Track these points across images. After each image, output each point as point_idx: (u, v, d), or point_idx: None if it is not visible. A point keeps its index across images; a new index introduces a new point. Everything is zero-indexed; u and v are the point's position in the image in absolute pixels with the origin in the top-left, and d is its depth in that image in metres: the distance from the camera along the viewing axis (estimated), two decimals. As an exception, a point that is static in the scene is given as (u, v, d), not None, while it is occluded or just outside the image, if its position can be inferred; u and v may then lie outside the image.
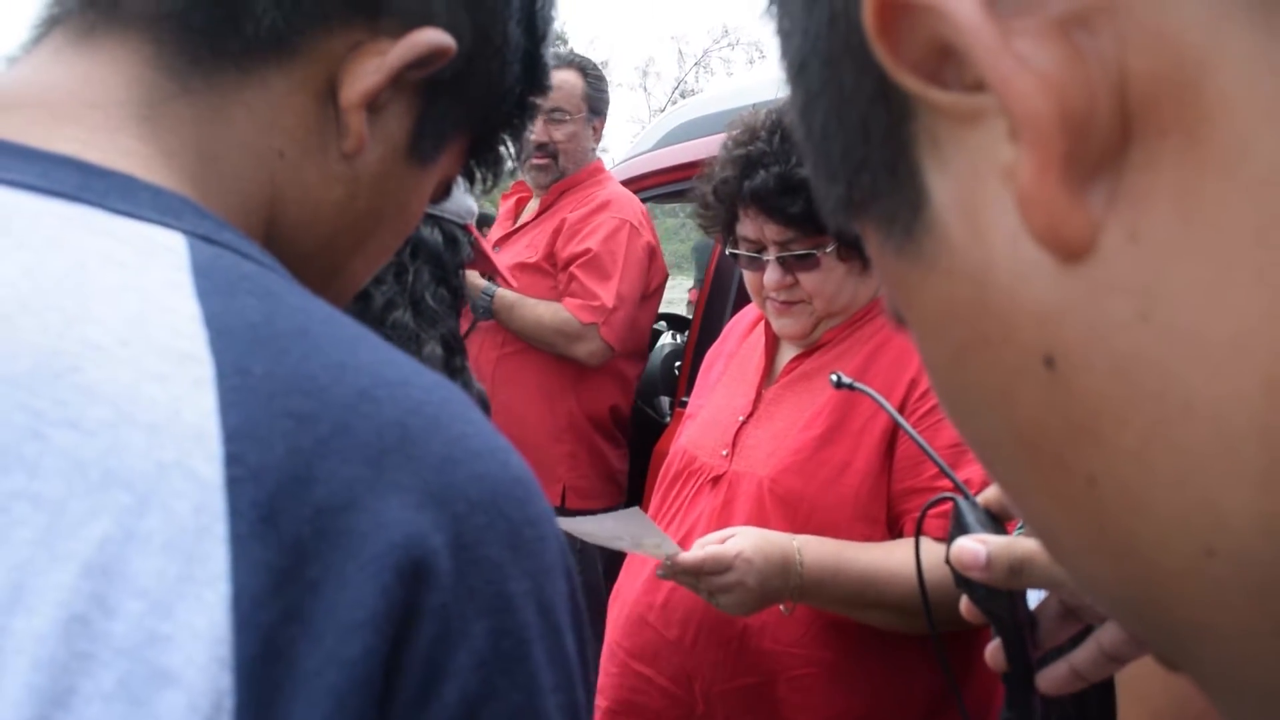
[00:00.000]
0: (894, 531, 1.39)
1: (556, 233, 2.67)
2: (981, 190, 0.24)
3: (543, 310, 2.58)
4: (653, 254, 2.75)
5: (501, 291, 2.56)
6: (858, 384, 1.16)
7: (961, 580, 0.68)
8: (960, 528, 0.69)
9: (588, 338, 2.57)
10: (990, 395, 0.26)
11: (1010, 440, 0.26)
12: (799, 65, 0.29)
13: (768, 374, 1.59)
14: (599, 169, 2.84)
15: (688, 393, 1.98)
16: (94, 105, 0.46)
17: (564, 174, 2.75)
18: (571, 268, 2.62)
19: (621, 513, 1.35)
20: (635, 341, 2.77)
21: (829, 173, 0.29)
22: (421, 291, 1.20)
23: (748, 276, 1.56)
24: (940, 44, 0.23)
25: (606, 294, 2.57)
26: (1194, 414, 0.21)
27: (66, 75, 0.47)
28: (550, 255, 2.66)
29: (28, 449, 0.35)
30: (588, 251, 2.61)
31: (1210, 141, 0.20)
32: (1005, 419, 0.26)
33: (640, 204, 2.82)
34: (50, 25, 0.49)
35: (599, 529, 1.41)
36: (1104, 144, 0.22)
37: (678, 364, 3.07)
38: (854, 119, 0.27)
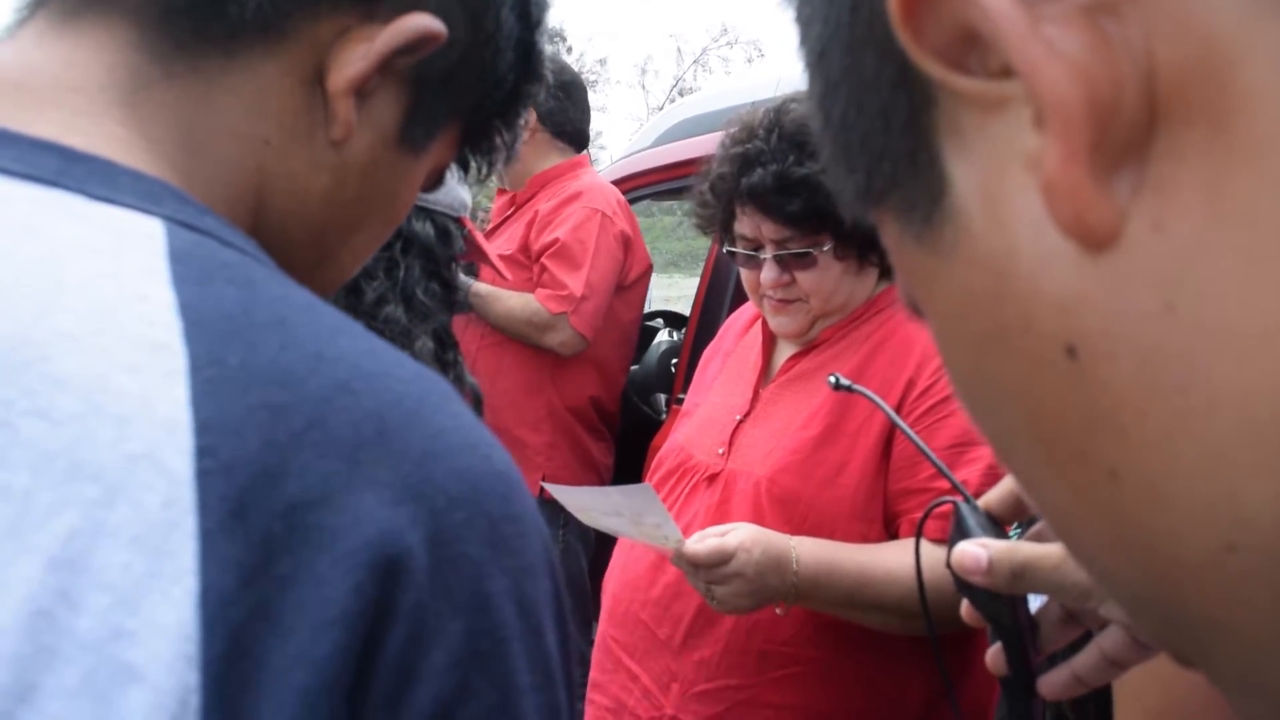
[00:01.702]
0: (890, 531, 1.39)
1: (530, 224, 2.68)
2: (1004, 178, 0.24)
3: (514, 302, 2.59)
4: (628, 243, 2.73)
5: (476, 284, 2.55)
6: (856, 385, 1.15)
7: (962, 584, 0.67)
8: (961, 532, 0.68)
9: (558, 328, 2.57)
10: (1009, 387, 0.26)
11: (1028, 433, 0.26)
12: (819, 53, 0.28)
13: (765, 373, 1.59)
14: (579, 163, 2.83)
15: (684, 390, 1.98)
16: (76, 89, 0.45)
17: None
18: (542, 258, 2.63)
19: (630, 487, 1.32)
20: (616, 331, 2.76)
21: (848, 162, 0.29)
22: (413, 287, 1.19)
23: (745, 275, 1.55)
24: (965, 30, 0.23)
25: (575, 283, 2.57)
26: (1219, 407, 0.21)
27: (49, 59, 0.46)
28: (525, 247, 2.67)
29: None
30: (556, 241, 2.61)
31: (1238, 133, 0.20)
32: (1024, 411, 0.26)
33: (617, 193, 2.81)
34: (35, 8, 0.49)
35: (598, 503, 1.39)
36: (1130, 133, 0.21)
37: (674, 361, 3.07)
38: (875, 107, 0.27)
